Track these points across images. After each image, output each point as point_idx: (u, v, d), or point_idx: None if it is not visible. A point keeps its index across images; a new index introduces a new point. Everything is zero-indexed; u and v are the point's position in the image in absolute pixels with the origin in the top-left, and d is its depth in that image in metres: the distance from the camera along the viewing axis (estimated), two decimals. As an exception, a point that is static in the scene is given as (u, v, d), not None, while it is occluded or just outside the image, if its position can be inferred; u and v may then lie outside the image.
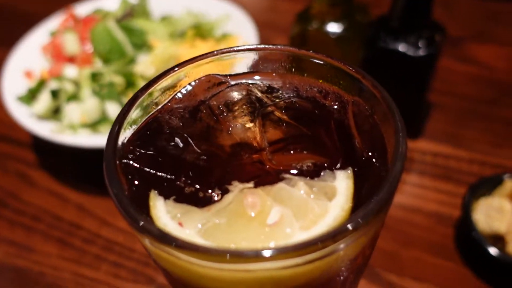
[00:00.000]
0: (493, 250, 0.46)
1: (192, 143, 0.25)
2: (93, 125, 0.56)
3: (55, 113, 0.59)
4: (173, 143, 0.25)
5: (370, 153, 0.24)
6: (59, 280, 0.52)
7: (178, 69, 0.28)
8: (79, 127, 0.56)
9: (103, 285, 0.51)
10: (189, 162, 0.25)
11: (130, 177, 0.23)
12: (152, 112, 0.27)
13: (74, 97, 0.58)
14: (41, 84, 0.61)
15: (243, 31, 0.67)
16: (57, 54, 0.65)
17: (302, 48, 0.28)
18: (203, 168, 0.24)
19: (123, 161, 0.24)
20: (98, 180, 0.61)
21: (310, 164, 0.24)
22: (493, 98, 0.68)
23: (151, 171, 0.24)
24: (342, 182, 0.23)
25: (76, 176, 0.63)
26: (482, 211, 0.49)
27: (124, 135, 0.25)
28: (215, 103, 0.27)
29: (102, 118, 0.57)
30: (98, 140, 0.54)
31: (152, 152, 0.25)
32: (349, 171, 0.24)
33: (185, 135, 0.26)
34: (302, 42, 0.62)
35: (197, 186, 0.23)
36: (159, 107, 0.27)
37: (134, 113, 0.25)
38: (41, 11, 0.83)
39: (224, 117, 0.27)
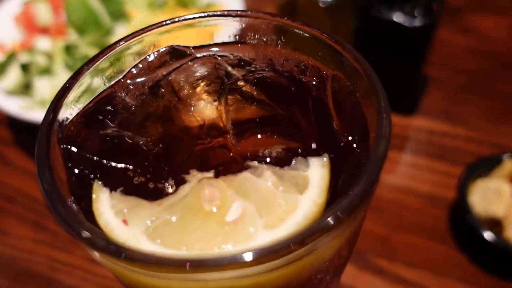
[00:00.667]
0: (489, 235, 0.43)
1: (146, 125, 0.22)
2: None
3: (25, 88, 0.55)
4: (123, 125, 0.22)
5: (350, 137, 0.21)
6: (33, 264, 0.49)
7: (135, 37, 0.24)
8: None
9: (77, 269, 0.49)
10: (141, 147, 0.21)
11: (70, 164, 0.20)
12: (102, 89, 0.23)
13: (46, 71, 0.55)
14: (11, 57, 0.57)
15: (229, 1, 0.62)
16: (29, 24, 0.60)
17: (276, 14, 0.24)
18: (158, 155, 0.21)
19: (62, 146, 0.20)
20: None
21: (280, 150, 0.21)
22: (493, 71, 0.65)
23: (96, 158, 0.21)
24: (316, 172, 0.20)
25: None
26: (479, 193, 0.46)
27: (65, 116, 0.21)
28: (175, 78, 0.24)
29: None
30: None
31: (98, 136, 0.21)
32: (324, 159, 0.20)
33: (139, 116, 0.22)
34: (291, 12, 0.58)
35: (148, 176, 0.20)
36: (111, 83, 0.24)
37: (79, 90, 0.22)
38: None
39: (185, 95, 0.23)
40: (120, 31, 0.57)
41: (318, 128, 0.21)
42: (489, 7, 0.75)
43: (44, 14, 0.59)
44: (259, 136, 0.21)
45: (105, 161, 0.20)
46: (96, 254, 0.17)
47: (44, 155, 0.19)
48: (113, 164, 0.20)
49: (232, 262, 0.15)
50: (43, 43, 0.57)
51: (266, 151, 0.21)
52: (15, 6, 0.64)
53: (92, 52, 0.55)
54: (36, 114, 0.51)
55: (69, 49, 0.56)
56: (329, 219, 0.16)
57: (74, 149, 0.21)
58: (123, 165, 0.21)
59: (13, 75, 0.53)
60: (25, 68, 0.54)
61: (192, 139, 0.22)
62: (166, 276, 0.17)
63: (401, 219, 0.50)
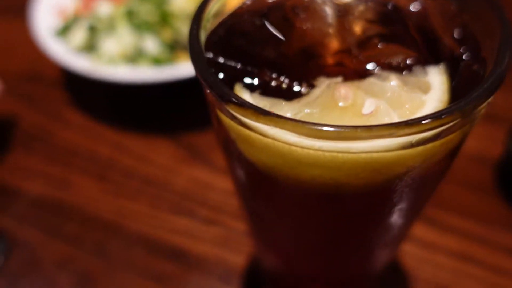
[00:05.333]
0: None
1: (277, 40, 0.25)
2: (131, 60, 0.55)
3: (90, 49, 0.58)
4: (257, 39, 0.24)
5: (462, 50, 0.23)
6: (100, 211, 0.52)
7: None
8: (117, 61, 0.55)
9: (143, 215, 0.52)
10: (273, 58, 0.24)
11: (213, 70, 0.23)
12: (235, 7, 0.26)
13: (110, 32, 0.57)
14: (75, 19, 0.59)
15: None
16: (89, -10, 0.63)
17: None
18: (288, 65, 0.24)
19: (206, 54, 0.23)
20: (133, 117, 0.61)
21: (399, 60, 0.23)
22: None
23: (236, 64, 0.23)
24: (436, 77, 0.23)
25: (109, 114, 0.63)
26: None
27: (207, 26, 0.24)
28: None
29: (139, 53, 0.55)
30: (137, 74, 0.53)
31: (236, 46, 0.24)
32: (441, 67, 0.23)
33: (270, 32, 0.25)
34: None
35: (283, 80, 0.23)
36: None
37: (217, 5, 0.24)
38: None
39: (306, 16, 0.26)
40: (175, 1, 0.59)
41: (431, 42, 0.24)
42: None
43: (105, -21, 0.61)
44: (378, 47, 0.24)
45: (244, 67, 0.23)
46: (257, 127, 0.19)
47: (199, 60, 0.22)
48: (252, 69, 0.23)
49: (388, 128, 0.18)
50: (105, 8, 0.60)
51: (386, 61, 0.23)
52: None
53: (151, 17, 0.58)
54: (105, 72, 0.54)
55: (130, 14, 0.58)
56: (480, 91, 0.19)
57: (215, 56, 0.23)
58: (259, 71, 0.23)
59: (80, 34, 0.56)
60: (91, 28, 0.56)
61: (316, 55, 0.24)
62: (314, 145, 0.19)
63: (450, 174, 0.53)
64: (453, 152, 0.23)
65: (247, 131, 0.21)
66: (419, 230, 0.48)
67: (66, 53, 0.55)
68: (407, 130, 0.18)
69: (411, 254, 0.47)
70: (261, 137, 0.20)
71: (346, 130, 0.18)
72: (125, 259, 0.48)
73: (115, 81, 0.53)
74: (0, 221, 0.51)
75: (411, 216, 0.29)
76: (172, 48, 0.58)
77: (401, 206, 0.25)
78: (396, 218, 0.27)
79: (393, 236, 0.30)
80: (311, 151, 0.20)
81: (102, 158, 0.58)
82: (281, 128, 0.19)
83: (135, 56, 0.55)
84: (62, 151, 0.59)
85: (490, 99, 0.20)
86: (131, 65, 0.55)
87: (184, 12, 0.57)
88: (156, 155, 0.57)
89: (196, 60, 0.22)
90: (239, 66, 0.23)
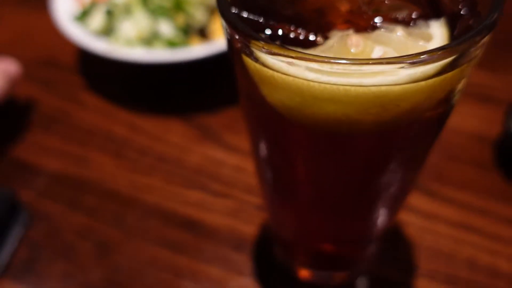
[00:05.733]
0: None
1: (293, 2, 0.27)
2: (146, 42, 0.58)
3: (107, 33, 0.61)
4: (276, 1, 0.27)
5: (461, 6, 0.26)
6: (117, 186, 0.55)
7: None
8: (134, 43, 0.58)
9: (158, 189, 0.54)
10: (291, 15, 0.27)
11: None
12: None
13: (127, 16, 0.60)
14: (93, 6, 0.62)
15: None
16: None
17: None
18: (304, 21, 0.27)
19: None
20: (147, 99, 0.64)
21: (404, 15, 0.26)
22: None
23: (258, 18, 0.26)
24: (437, 29, 0.25)
25: (124, 97, 0.66)
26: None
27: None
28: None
29: (155, 36, 0.58)
30: (153, 55, 0.56)
31: (258, 4, 0.27)
32: (441, 21, 0.26)
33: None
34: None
35: (300, 32, 0.26)
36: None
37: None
38: None
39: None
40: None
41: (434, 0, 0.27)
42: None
43: (121, -33, 0.64)
44: (386, 2, 0.27)
45: (265, 20, 0.26)
46: (277, 64, 0.22)
47: (227, 9, 0.24)
48: (270, 22, 0.26)
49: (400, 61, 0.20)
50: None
51: (394, 16, 0.26)
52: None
53: (165, 3, 0.61)
54: (122, 53, 0.57)
55: (145, 1, 0.61)
56: (476, 31, 0.21)
57: (240, 11, 0.26)
58: (279, 24, 0.26)
59: (99, 18, 0.59)
60: (109, 12, 0.59)
61: (332, 12, 0.27)
62: (330, 81, 0.22)
63: (448, 151, 0.55)
64: (452, 96, 0.25)
65: (270, 72, 0.24)
66: (420, 201, 0.51)
67: (84, 36, 0.58)
68: (412, 59, 0.21)
69: (412, 224, 0.49)
70: (283, 76, 0.23)
71: (359, 61, 0.21)
72: (141, 229, 0.51)
73: (131, 61, 0.56)
74: (20, 196, 0.54)
75: (415, 164, 0.32)
76: (186, 33, 0.60)
77: (407, 150, 0.28)
78: (402, 163, 0.29)
79: (399, 186, 0.32)
80: (328, 86, 0.22)
81: (117, 137, 0.60)
82: (301, 60, 0.21)
83: (151, 39, 0.58)
84: (79, 131, 0.62)
85: (484, 40, 0.22)
86: (146, 48, 0.58)
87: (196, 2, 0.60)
88: (170, 135, 0.60)
89: (224, 10, 0.24)
90: (261, 20, 0.26)
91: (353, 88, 0.22)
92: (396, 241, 0.48)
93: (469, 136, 0.57)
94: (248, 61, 0.25)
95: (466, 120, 0.59)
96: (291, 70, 0.23)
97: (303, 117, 0.25)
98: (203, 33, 0.62)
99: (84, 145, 0.60)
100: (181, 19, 0.61)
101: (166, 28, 0.59)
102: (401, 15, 0.26)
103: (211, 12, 0.63)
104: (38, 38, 0.75)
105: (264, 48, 0.22)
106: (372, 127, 0.25)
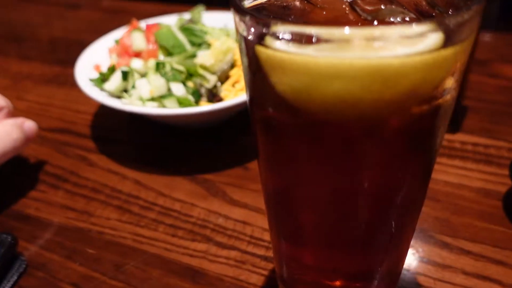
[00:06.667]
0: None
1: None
2: (159, 100, 0.61)
3: (124, 92, 0.64)
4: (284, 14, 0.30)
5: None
6: (119, 238, 0.54)
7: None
8: (147, 101, 0.61)
9: (161, 242, 0.53)
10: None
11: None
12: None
13: (141, 79, 0.64)
14: (112, 70, 0.67)
15: None
16: (124, 51, 0.72)
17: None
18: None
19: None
20: (154, 159, 0.65)
21: (400, 20, 0.28)
22: (526, 102, 0.73)
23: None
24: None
25: (133, 158, 0.67)
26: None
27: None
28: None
29: (168, 94, 0.62)
30: (164, 111, 0.59)
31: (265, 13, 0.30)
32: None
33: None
34: None
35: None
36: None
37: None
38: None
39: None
40: (202, 53, 0.67)
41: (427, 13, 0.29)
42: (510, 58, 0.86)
43: (139, 40, 0.70)
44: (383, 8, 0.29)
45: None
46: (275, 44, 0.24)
47: (239, 6, 0.27)
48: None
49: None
50: (137, 62, 0.68)
51: (390, 20, 0.28)
52: (108, 42, 0.77)
53: (179, 68, 0.65)
54: (136, 107, 0.59)
55: (159, 65, 0.66)
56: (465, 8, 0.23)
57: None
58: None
59: (115, 80, 0.63)
60: (125, 74, 0.63)
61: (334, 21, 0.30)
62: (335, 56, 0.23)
63: (458, 206, 0.55)
64: (446, 87, 0.27)
65: (279, 56, 0.25)
66: (434, 253, 0.49)
67: (101, 95, 0.62)
68: (411, 28, 0.22)
69: (428, 276, 0.47)
70: (291, 56, 0.25)
71: (363, 29, 0.22)
72: (142, 278, 0.49)
73: (143, 114, 0.58)
74: (21, 247, 0.52)
75: (419, 176, 0.32)
76: (197, 97, 0.64)
77: (409, 151, 0.29)
78: (406, 167, 0.29)
79: (407, 199, 0.32)
80: (333, 61, 0.24)
81: (122, 193, 0.60)
82: (309, 33, 0.23)
83: (163, 98, 0.61)
84: (85, 188, 0.62)
85: (473, 16, 0.24)
86: (159, 104, 0.61)
87: (209, 62, 0.64)
88: (174, 191, 0.60)
89: (238, 5, 0.27)
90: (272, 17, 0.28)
91: (356, 61, 0.24)
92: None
93: (476, 192, 0.56)
94: (260, 51, 0.26)
95: (472, 179, 0.59)
96: (299, 50, 0.24)
97: (311, 101, 0.26)
98: (214, 99, 0.66)
99: (89, 200, 0.60)
100: (192, 84, 0.64)
101: (178, 89, 0.62)
102: (397, 19, 0.28)
103: (223, 78, 0.67)
104: (56, 110, 0.79)
105: (280, 26, 0.24)
106: (375, 110, 0.26)
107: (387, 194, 0.31)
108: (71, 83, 0.67)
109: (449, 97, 0.28)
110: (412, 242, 0.50)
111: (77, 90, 0.66)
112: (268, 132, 0.32)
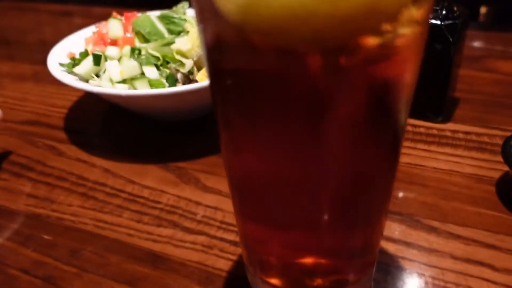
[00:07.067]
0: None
1: None
2: (130, 82, 0.58)
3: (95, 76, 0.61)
4: None
5: None
6: (78, 224, 0.49)
7: None
8: (117, 83, 0.57)
9: (123, 227, 0.49)
10: None
11: None
12: None
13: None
14: (84, 55, 0.64)
15: None
16: (100, 39, 0.69)
17: None
18: None
19: None
20: (127, 149, 0.61)
21: None
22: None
23: None
24: None
25: (104, 148, 0.63)
26: (525, 153, 0.47)
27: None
28: None
29: (140, 76, 0.58)
30: (131, 92, 0.55)
31: None
32: None
33: None
34: None
35: None
36: None
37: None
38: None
39: None
40: (180, 39, 0.64)
41: None
42: (506, 54, 0.83)
43: (115, 28, 0.67)
44: None
45: None
46: None
47: None
48: None
49: None
50: (112, 49, 0.65)
51: None
52: (85, 33, 0.74)
53: (154, 53, 0.63)
54: (103, 89, 0.56)
55: (134, 50, 0.63)
56: None
57: None
58: None
59: (86, 63, 0.60)
60: (97, 58, 0.60)
61: None
62: None
63: (448, 191, 0.50)
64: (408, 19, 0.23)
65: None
66: (421, 237, 0.44)
67: (71, 78, 0.58)
68: None
69: (415, 260, 0.42)
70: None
71: None
72: (99, 263, 0.44)
73: (111, 95, 0.55)
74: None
75: (387, 134, 0.28)
76: (172, 82, 0.60)
77: (375, 92, 0.25)
78: (373, 118, 0.26)
79: (376, 162, 0.28)
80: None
81: (88, 181, 0.57)
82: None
83: (135, 78, 0.57)
84: (50, 177, 0.58)
85: None
86: (130, 86, 0.58)
87: (186, 47, 0.61)
88: (144, 178, 0.56)
89: None
90: None
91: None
92: (396, 274, 0.41)
93: (468, 178, 0.52)
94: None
95: (463, 165, 0.55)
96: None
97: (259, 18, 0.23)
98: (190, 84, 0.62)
99: (53, 188, 0.56)
100: (168, 70, 0.61)
101: (151, 72, 0.59)
102: None
103: (200, 65, 0.64)
104: (30, 104, 0.77)
105: None
106: (329, 29, 0.22)
107: (352, 160, 0.28)
108: (50, 80, 0.64)
109: (416, 30, 0.24)
110: (396, 226, 0.46)
111: (55, 86, 0.63)
112: (225, 88, 0.28)
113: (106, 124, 0.70)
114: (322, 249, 0.34)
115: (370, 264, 0.37)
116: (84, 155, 0.62)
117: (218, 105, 0.30)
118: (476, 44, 0.88)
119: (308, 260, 0.36)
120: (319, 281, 0.36)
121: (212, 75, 0.29)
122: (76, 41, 0.72)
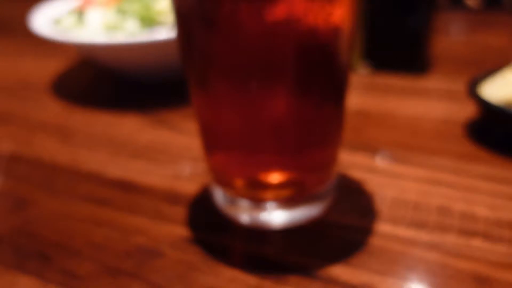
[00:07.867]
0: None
1: None
2: (112, 27, 0.60)
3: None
4: None
5: None
6: (55, 158, 0.50)
7: None
8: (99, 31, 0.59)
9: (99, 160, 0.50)
10: None
11: None
12: None
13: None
14: (70, 15, 0.66)
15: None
16: (86, 2, 0.71)
17: None
18: None
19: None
20: (104, 99, 0.63)
21: None
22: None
23: None
24: None
25: (84, 103, 0.65)
26: (493, 86, 0.48)
27: None
28: None
29: (121, 24, 0.60)
30: (110, 40, 0.57)
31: None
32: None
33: None
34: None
35: None
36: None
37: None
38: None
39: None
40: (160, 3, 0.66)
41: None
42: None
43: (100, -10, 0.69)
44: None
45: None
46: None
47: None
48: None
49: None
50: (97, 9, 0.67)
51: None
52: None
53: (136, 10, 0.64)
54: (82, 39, 0.58)
55: (119, 9, 0.65)
56: None
57: None
58: None
59: (68, 20, 0.62)
60: (80, 15, 0.62)
61: None
62: None
63: (416, 130, 0.51)
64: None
65: None
66: (383, 163, 0.45)
67: (56, 32, 0.60)
68: None
69: (374, 180, 0.43)
70: None
71: None
72: (69, 188, 0.45)
73: (93, 45, 0.56)
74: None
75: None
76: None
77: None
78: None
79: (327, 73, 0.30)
80: None
81: (68, 125, 0.58)
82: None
83: (114, 27, 0.59)
84: (30, 123, 0.59)
85: None
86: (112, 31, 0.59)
87: (166, 12, 0.63)
88: (123, 123, 0.57)
89: None
90: None
91: None
92: (356, 193, 0.42)
93: (437, 119, 0.53)
94: None
95: (436, 109, 0.56)
96: None
97: None
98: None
99: (32, 131, 0.57)
100: (148, 22, 0.63)
101: (132, 25, 0.61)
102: None
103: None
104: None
105: None
106: None
107: (305, 70, 0.30)
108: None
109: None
110: (361, 158, 0.47)
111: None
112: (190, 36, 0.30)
113: (94, 89, 0.71)
114: (285, 160, 0.36)
115: (329, 177, 0.38)
116: (64, 105, 0.63)
117: (186, 53, 0.32)
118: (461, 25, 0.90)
119: (270, 168, 0.37)
120: (279, 192, 0.37)
121: (178, 24, 0.32)
122: (61, 7, 0.74)
